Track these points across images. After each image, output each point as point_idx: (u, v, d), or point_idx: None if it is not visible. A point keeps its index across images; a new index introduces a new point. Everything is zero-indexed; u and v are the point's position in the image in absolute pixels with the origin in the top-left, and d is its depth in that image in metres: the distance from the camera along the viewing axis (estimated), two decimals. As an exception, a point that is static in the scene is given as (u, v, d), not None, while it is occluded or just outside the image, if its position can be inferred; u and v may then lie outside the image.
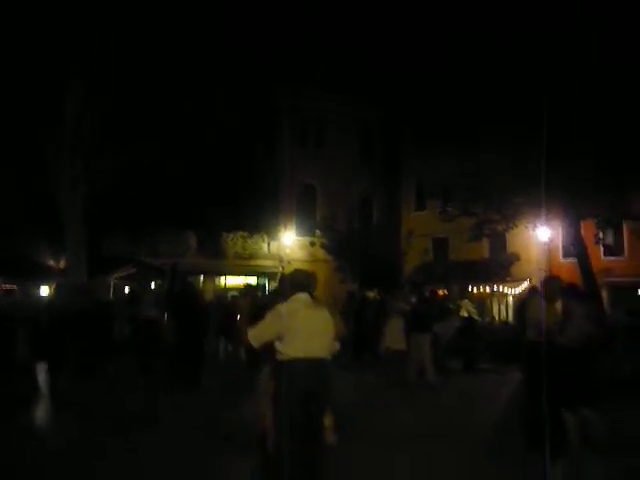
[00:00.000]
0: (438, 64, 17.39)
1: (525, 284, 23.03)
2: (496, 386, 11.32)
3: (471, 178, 17.00)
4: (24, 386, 9.67)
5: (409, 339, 11.30)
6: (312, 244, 27.51)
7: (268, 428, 4.86)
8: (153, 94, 15.06)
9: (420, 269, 27.49)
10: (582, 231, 17.64)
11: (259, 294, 17.61)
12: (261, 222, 27.45)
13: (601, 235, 17.72)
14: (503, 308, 25.91)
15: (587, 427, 5.88)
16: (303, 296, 4.92)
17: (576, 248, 17.23)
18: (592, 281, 16.60)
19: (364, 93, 27.29)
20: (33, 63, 14.33)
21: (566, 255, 23.55)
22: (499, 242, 25.56)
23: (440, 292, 23.87)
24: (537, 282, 15.54)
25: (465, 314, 15.41)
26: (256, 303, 9.61)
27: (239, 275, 26.95)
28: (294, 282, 5.08)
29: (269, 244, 28.35)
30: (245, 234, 27.56)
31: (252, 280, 26.54)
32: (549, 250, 24.44)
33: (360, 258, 24.91)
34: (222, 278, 27.37)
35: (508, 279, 25.56)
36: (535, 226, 19.13)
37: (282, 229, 28.33)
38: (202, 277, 26.43)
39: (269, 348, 4.83)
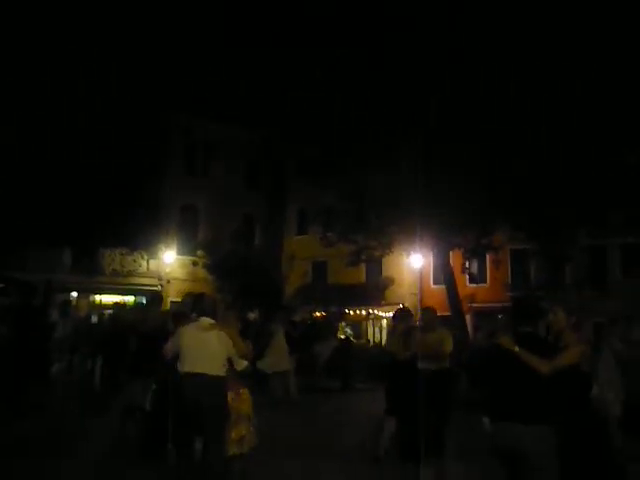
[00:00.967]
0: (320, 92, 17.87)
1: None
2: (370, 403, 11.94)
3: (350, 206, 17.87)
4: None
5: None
6: (194, 264, 27.32)
7: None
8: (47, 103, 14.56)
9: (300, 291, 28.11)
10: (451, 260, 19.06)
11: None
12: (141, 239, 26.81)
13: (467, 264, 19.21)
14: (378, 330, 27.08)
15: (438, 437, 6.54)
16: (203, 320, 5.56)
17: (445, 276, 18.55)
18: (458, 306, 17.97)
19: (251, 120, 27.77)
20: None
21: (436, 281, 25.07)
22: (375, 267, 26.73)
23: (319, 314, 24.63)
24: (408, 306, 16.62)
25: (342, 336, 16.11)
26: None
27: (116, 294, 26.10)
28: (197, 307, 5.72)
29: (148, 262, 27.71)
30: (124, 251, 26.76)
31: (129, 299, 25.84)
32: (421, 276, 25.91)
33: (241, 279, 25.07)
34: (97, 296, 26.36)
35: (383, 302, 26.75)
36: (409, 253, 20.32)
37: (163, 247, 27.81)
38: (75, 295, 25.26)
39: None
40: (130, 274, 26.88)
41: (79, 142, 17.68)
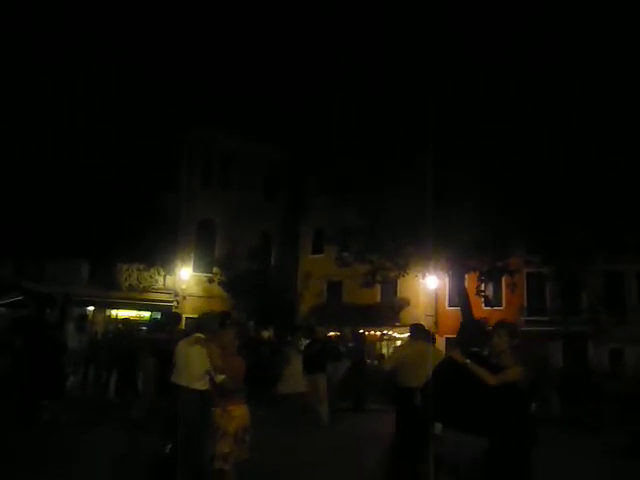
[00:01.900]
0: (339, 111, 18.00)
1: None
2: (383, 424, 11.88)
3: (366, 227, 17.93)
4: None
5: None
6: (210, 281, 27.43)
7: None
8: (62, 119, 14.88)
9: (315, 311, 28.11)
10: (466, 282, 19.00)
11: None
12: (158, 255, 27.00)
13: (482, 287, 19.14)
14: (391, 351, 26.93)
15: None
16: (194, 335, 6.19)
17: (460, 298, 18.49)
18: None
19: (271, 136, 28.02)
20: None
21: (451, 303, 24.97)
22: (391, 287, 26.70)
23: (332, 334, 24.61)
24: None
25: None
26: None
27: (132, 309, 26.28)
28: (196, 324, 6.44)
29: (165, 278, 27.88)
30: (141, 266, 26.91)
31: (145, 314, 26.01)
32: (437, 298, 25.84)
33: (257, 297, 25.14)
34: (114, 311, 26.54)
35: (397, 324, 26.66)
36: (425, 275, 20.31)
37: (179, 264, 28.04)
38: (92, 309, 25.48)
39: None
40: (146, 290, 26.99)
41: (98, 157, 17.98)
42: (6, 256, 22.61)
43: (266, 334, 18.00)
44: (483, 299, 20.42)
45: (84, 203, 21.00)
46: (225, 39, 24.70)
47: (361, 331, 24.67)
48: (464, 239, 15.41)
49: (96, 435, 9.10)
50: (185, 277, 27.78)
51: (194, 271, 28.36)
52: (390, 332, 26.95)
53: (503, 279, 22.24)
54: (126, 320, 24.89)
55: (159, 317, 25.97)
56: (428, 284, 22.86)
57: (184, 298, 27.35)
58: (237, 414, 5.31)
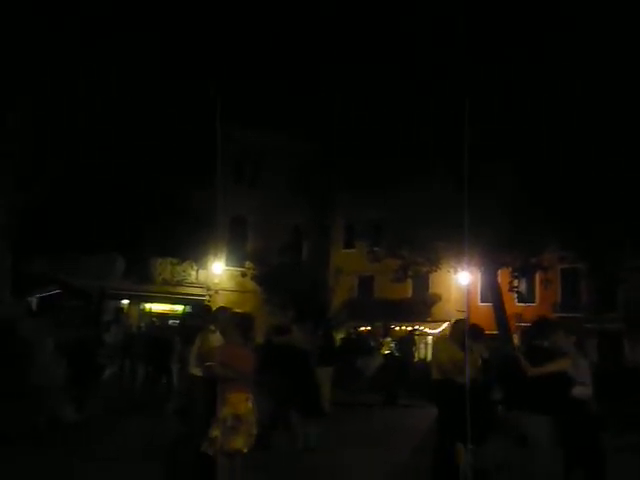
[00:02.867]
0: (369, 107, 17.93)
1: (445, 325, 24.01)
2: (414, 420, 11.85)
3: (398, 222, 17.88)
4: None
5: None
6: (243, 275, 27.65)
7: None
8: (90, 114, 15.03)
9: (346, 306, 28.13)
10: (499, 279, 18.82)
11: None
12: (191, 249, 27.24)
13: (515, 283, 18.94)
14: (423, 347, 26.84)
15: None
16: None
17: (493, 294, 18.33)
18: (505, 325, 17.71)
19: (301, 130, 28.05)
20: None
21: (484, 299, 24.74)
22: (422, 282, 26.58)
23: (364, 329, 24.61)
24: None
25: (387, 351, 16.08)
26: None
27: (165, 303, 26.66)
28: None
29: (197, 272, 28.15)
30: (174, 260, 27.19)
31: (179, 308, 26.37)
32: (469, 293, 25.63)
33: (290, 292, 25.22)
34: (147, 304, 26.96)
35: (429, 319, 26.56)
36: (457, 270, 20.18)
37: (212, 258, 28.27)
38: (126, 302, 25.92)
39: None
40: (179, 284, 27.28)
41: (134, 153, 18.20)
42: (42, 250, 23.12)
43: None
44: (516, 295, 20.23)
45: (119, 198, 21.29)
46: (259, 34, 24.73)
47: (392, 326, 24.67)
48: (497, 234, 15.29)
49: (132, 425, 9.28)
50: (218, 271, 27.97)
51: (226, 265, 28.58)
52: (421, 327, 26.83)
53: (537, 275, 21.98)
54: (160, 314, 25.29)
55: (191, 311, 26.49)
56: (460, 279, 22.64)
57: (216, 292, 27.61)
58: (232, 401, 5.36)
